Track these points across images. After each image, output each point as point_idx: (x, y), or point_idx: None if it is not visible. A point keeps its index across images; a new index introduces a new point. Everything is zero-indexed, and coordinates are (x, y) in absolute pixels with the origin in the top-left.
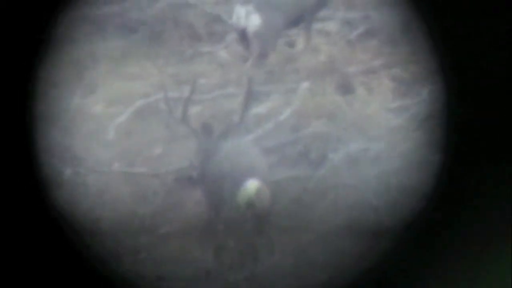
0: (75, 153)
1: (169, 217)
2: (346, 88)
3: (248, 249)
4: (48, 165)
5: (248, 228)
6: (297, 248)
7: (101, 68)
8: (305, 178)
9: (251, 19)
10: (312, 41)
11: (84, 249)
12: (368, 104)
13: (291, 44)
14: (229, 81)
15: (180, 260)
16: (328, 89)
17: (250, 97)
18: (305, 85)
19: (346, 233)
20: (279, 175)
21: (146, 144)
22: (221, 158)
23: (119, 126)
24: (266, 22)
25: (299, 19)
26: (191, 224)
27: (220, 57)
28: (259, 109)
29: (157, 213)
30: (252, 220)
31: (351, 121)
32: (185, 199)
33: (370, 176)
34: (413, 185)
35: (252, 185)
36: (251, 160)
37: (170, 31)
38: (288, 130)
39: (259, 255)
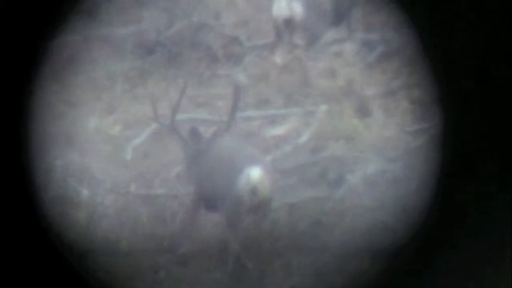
0: (93, 174)
1: (188, 237)
2: (364, 111)
3: (266, 270)
4: (66, 186)
5: (249, 218)
6: (315, 269)
7: (119, 89)
8: (323, 199)
9: (293, 7)
10: (330, 64)
11: (100, 270)
12: (385, 126)
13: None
14: (247, 104)
15: (198, 280)
16: (346, 112)
17: (238, 98)
18: (323, 107)
19: (364, 254)
20: (298, 197)
21: (164, 165)
22: (213, 158)
23: (137, 147)
24: (310, 9)
25: (340, 17)
26: (210, 245)
27: (238, 79)
28: (277, 131)
29: (176, 234)
30: (253, 209)
31: (369, 143)
32: (203, 219)
33: (388, 197)
34: (428, 206)
35: (255, 171)
36: (245, 155)
37: (188, 53)
38: (306, 152)
39: (277, 276)
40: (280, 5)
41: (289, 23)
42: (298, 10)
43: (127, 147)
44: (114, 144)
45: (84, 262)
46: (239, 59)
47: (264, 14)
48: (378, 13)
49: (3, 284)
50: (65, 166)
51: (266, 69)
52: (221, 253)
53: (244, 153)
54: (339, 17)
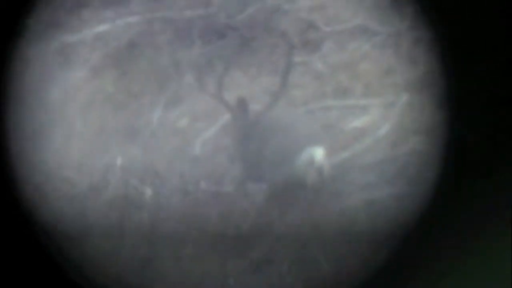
0: (158, 171)
1: (260, 240)
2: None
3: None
4: (128, 185)
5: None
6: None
7: (186, 78)
8: (403, 197)
9: None
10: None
11: (164, 276)
12: None
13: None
14: (325, 93)
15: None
16: (427, 103)
17: (290, 68)
18: (404, 98)
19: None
20: (377, 194)
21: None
22: (265, 132)
23: (206, 142)
24: None
25: None
26: (285, 248)
27: (315, 68)
28: (356, 123)
29: (247, 235)
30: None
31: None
32: (277, 219)
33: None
34: None
35: (319, 151)
36: (302, 129)
37: (261, 39)
38: (387, 146)
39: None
40: None
41: None
42: None
43: (195, 142)
44: (181, 138)
45: (147, 268)
46: (317, 46)
47: None
48: None
49: None
50: (127, 163)
51: (345, 57)
52: (297, 257)
53: (303, 129)
54: None
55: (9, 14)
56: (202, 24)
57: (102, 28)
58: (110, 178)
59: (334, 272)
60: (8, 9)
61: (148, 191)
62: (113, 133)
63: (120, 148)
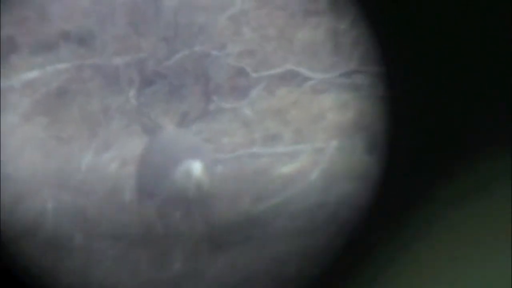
0: (88, 216)
1: (189, 283)
2: (375, 146)
3: None
4: (58, 230)
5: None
6: None
7: (116, 123)
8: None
9: None
10: (342, 96)
11: None
12: None
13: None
14: (253, 140)
15: None
16: (357, 148)
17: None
18: (334, 143)
19: None
20: (308, 240)
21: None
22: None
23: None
24: None
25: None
26: None
27: (244, 114)
28: (286, 169)
29: (177, 279)
30: (195, 203)
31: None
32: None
33: None
34: None
35: (196, 165)
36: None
37: (190, 85)
38: (317, 192)
39: None
40: None
41: None
42: None
43: (126, 186)
44: (111, 183)
45: None
46: (245, 92)
47: (272, 43)
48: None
49: None
50: (57, 209)
51: (273, 103)
52: None
53: (184, 144)
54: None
55: None
56: (131, 70)
57: (31, 74)
58: (41, 222)
59: None
60: None
61: (79, 236)
62: (44, 178)
63: (51, 193)
